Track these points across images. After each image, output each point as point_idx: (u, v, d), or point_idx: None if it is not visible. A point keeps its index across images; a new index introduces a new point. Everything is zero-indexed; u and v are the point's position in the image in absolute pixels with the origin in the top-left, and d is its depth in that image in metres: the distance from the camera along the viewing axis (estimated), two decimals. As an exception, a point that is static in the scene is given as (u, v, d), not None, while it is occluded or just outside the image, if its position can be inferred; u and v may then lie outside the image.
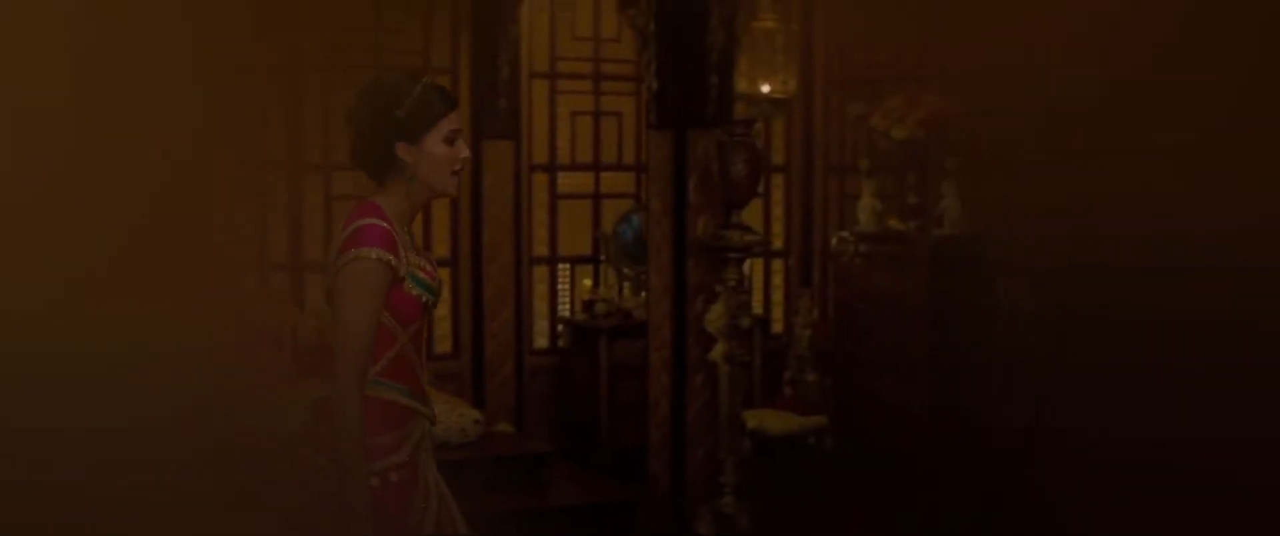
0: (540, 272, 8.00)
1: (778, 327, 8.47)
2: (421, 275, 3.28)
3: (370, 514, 3.10)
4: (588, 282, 7.93)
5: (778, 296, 8.62)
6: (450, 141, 3.28)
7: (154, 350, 3.82)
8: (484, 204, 7.47)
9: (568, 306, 8.07)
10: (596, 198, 8.14)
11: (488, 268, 7.48)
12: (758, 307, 8.40)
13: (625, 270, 7.88)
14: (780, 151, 8.61)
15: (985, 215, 7.45)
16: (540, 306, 7.99)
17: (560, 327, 8.04)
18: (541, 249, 8.00)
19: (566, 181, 8.00)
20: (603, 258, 8.06)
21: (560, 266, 8.10)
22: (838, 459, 7.49)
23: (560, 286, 8.09)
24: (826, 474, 7.30)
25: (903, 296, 7.37)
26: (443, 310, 7.46)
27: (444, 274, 7.49)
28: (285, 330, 6.74)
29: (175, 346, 3.89)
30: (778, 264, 8.65)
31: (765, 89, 7.39)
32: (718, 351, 5.71)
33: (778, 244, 8.62)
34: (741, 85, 7.31)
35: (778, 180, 8.61)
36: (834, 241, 7.89)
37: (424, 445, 3.33)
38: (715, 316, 5.65)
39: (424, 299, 3.29)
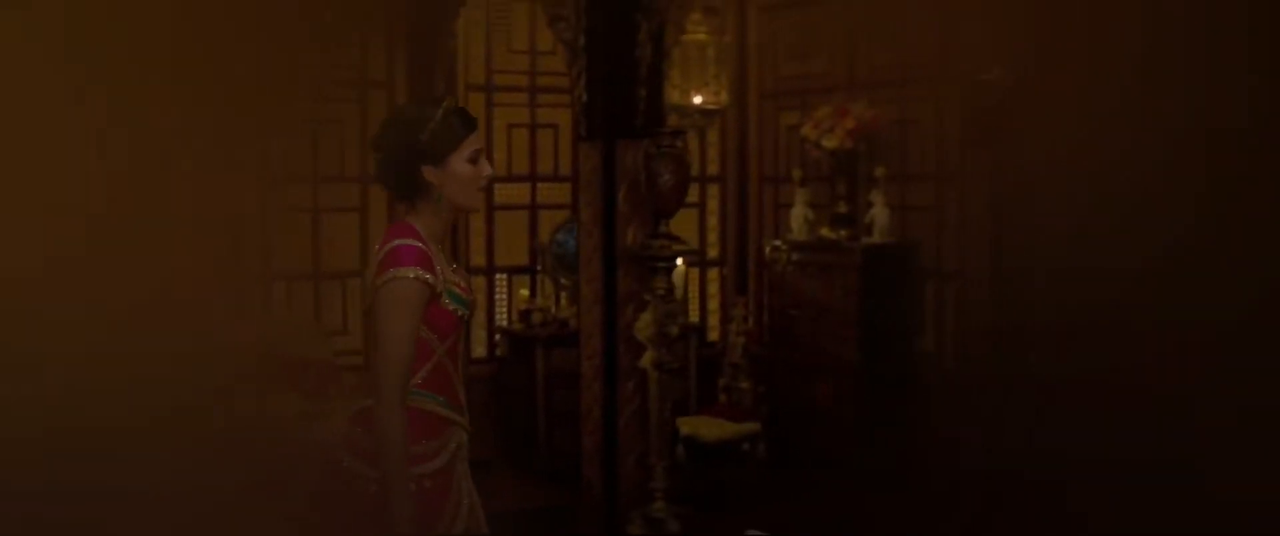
0: (478, 283, 8.07)
1: (714, 336, 8.57)
2: (457, 291, 3.40)
3: (414, 522, 3.24)
4: (525, 292, 8.01)
5: (714, 305, 8.73)
6: (474, 160, 3.40)
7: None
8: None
9: (505, 316, 8.15)
10: (533, 209, 8.23)
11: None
12: (694, 316, 8.51)
13: (562, 280, 7.97)
14: (715, 161, 8.72)
15: (913, 223, 7.62)
16: (478, 316, 8.07)
17: (498, 337, 8.12)
18: (479, 259, 8.08)
19: (503, 193, 8.08)
20: (539, 268, 8.14)
21: (498, 276, 8.18)
22: (770, 464, 7.61)
23: (498, 296, 8.17)
24: (758, 479, 7.41)
25: (834, 304, 7.52)
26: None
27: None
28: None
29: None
30: (714, 273, 8.76)
31: (697, 100, 7.54)
32: (647, 358, 5.81)
33: (713, 253, 8.74)
34: (674, 96, 7.45)
35: (713, 190, 8.73)
36: (767, 250, 8.03)
37: (460, 454, 3.46)
38: (644, 324, 5.75)
39: (459, 312, 3.41)
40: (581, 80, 5.94)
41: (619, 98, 5.88)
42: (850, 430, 7.42)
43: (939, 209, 7.47)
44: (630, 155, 5.85)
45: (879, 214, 7.39)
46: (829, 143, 7.47)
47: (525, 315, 7.84)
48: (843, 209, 7.64)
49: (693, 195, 8.55)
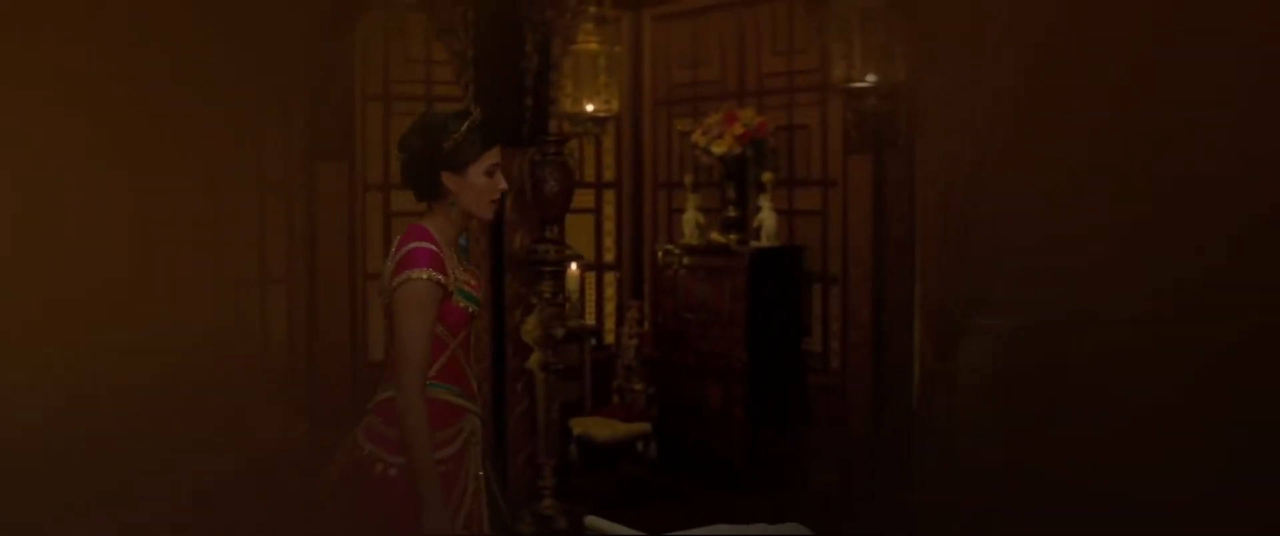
0: (375, 288, 8.17)
1: (610, 338, 8.74)
2: (468, 289, 3.62)
3: (443, 505, 3.46)
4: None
5: (610, 308, 8.90)
6: (490, 174, 3.64)
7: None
8: (318, 222, 7.63)
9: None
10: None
11: (322, 284, 7.65)
12: (590, 319, 8.66)
13: (459, 284, 8.09)
14: (611, 168, 8.88)
15: (801, 227, 7.84)
16: (376, 320, 8.16)
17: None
18: (376, 264, 8.18)
19: (400, 200, 8.17)
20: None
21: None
22: (661, 464, 7.79)
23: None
24: (650, 478, 7.58)
25: (723, 306, 7.71)
26: (281, 324, 7.62)
27: (280, 290, 7.73)
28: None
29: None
30: (610, 277, 8.92)
31: (589, 108, 7.70)
32: (534, 360, 5.97)
33: (610, 257, 8.90)
34: (566, 104, 7.61)
35: (609, 196, 8.90)
36: (660, 254, 8.21)
37: (473, 440, 3.67)
38: (531, 327, 5.90)
39: (470, 309, 3.63)
40: (470, 90, 6.08)
41: (506, 107, 6.03)
42: (739, 430, 7.61)
43: (825, 213, 7.69)
44: (517, 163, 5.99)
45: (766, 218, 7.59)
46: (718, 148, 7.66)
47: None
48: (732, 214, 7.84)
49: (589, 201, 8.73)
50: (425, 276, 3.49)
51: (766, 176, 7.60)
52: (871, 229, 7.19)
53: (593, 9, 7.49)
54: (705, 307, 7.80)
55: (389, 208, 8.18)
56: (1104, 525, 5.90)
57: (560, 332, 5.80)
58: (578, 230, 7.98)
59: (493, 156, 3.65)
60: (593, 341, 8.34)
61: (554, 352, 5.93)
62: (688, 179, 8.11)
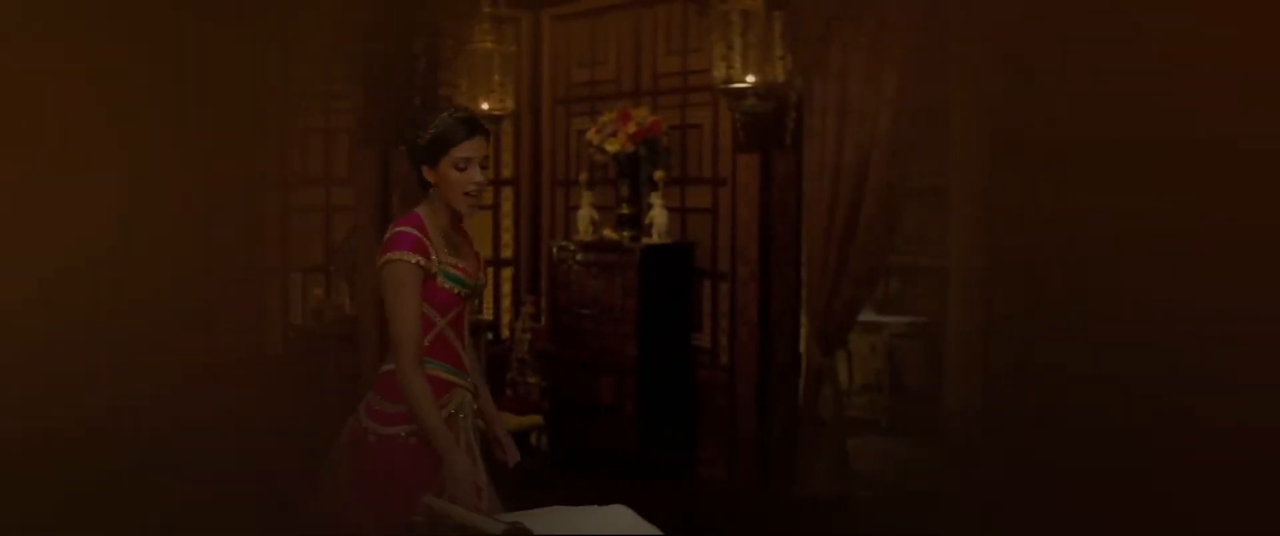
0: (273, 282, 8.24)
1: (507, 333, 8.85)
2: (453, 272, 3.84)
3: (456, 455, 3.67)
4: (318, 292, 8.21)
5: (508, 303, 9.01)
6: (461, 167, 3.80)
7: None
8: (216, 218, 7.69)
9: (300, 314, 8.34)
10: (328, 211, 8.41)
11: (222, 277, 7.70)
12: (488, 314, 8.77)
13: (355, 280, 8.16)
14: (510, 165, 8.99)
15: (693, 225, 7.98)
16: (271, 314, 8.23)
17: (292, 334, 8.30)
18: (274, 258, 8.24)
19: (301, 196, 8.24)
20: (332, 268, 8.34)
21: (292, 275, 8.36)
22: (553, 456, 7.92)
23: (292, 295, 8.35)
24: (541, 470, 7.69)
25: (615, 302, 7.84)
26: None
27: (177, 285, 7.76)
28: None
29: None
30: (508, 272, 9.03)
31: (485, 106, 7.80)
32: (414, 352, 6.07)
33: (507, 253, 9.01)
34: (462, 103, 7.71)
35: (507, 193, 9.01)
36: (554, 250, 8.33)
37: (462, 411, 3.89)
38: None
39: (457, 291, 3.84)
40: (359, 89, 6.18)
41: (394, 107, 6.13)
42: (629, 423, 7.74)
43: (715, 211, 7.84)
44: (403, 161, 6.10)
45: (658, 215, 7.73)
46: (611, 146, 7.79)
47: (317, 313, 8.04)
48: (626, 211, 7.97)
49: (487, 197, 8.84)
50: (402, 258, 3.75)
51: (658, 175, 7.73)
52: (758, 227, 7.34)
53: (487, 9, 7.60)
54: (598, 303, 7.93)
55: (288, 203, 8.26)
56: (982, 520, 6.10)
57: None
58: (476, 226, 8.06)
59: (465, 149, 3.80)
60: (489, 335, 8.46)
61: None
62: (583, 176, 8.23)
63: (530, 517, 3.10)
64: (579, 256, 8.04)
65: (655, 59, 8.23)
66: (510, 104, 8.01)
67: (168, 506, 4.26)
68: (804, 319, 7.40)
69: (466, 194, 3.84)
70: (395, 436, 3.81)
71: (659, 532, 2.99)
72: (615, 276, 7.81)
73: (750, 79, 6.07)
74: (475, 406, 3.98)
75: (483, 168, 3.84)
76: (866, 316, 9.62)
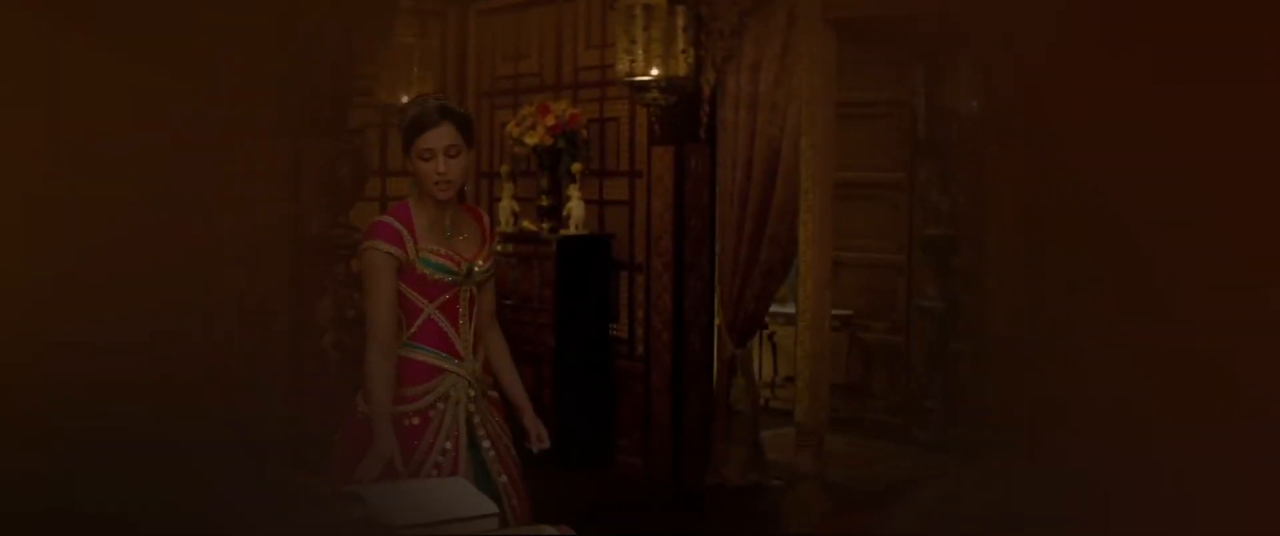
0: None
1: (431, 323, 8.92)
2: (433, 258, 3.93)
3: (390, 442, 3.81)
4: (239, 281, 8.27)
5: (433, 294, 9.08)
6: (424, 158, 3.92)
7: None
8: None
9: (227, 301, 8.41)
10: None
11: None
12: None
13: (279, 269, 8.25)
14: (435, 156, 9.06)
15: (612, 217, 8.09)
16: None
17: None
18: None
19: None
20: (253, 258, 8.42)
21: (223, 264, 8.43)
22: (471, 444, 8.00)
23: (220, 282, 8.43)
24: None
25: (533, 293, 7.95)
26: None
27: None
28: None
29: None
30: (434, 263, 9.10)
31: (404, 99, 7.89)
32: (327, 340, 6.17)
33: (433, 245, 9.09)
34: (382, 96, 7.81)
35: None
36: (476, 241, 8.42)
37: (452, 396, 4.00)
38: (324, 308, 6.10)
39: (440, 278, 3.95)
40: (272, 81, 6.25)
41: (308, 97, 6.21)
42: (547, 413, 7.80)
43: (632, 204, 7.95)
44: (314, 151, 6.19)
45: (575, 207, 7.84)
46: (530, 139, 7.89)
47: (243, 302, 8.11)
48: (545, 202, 8.07)
49: (407, 189, 8.92)
50: (374, 246, 3.92)
51: (575, 167, 7.84)
52: (672, 219, 7.47)
53: (407, 3, 7.69)
54: (517, 293, 8.02)
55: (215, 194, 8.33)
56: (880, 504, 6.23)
57: (352, 313, 6.00)
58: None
59: (428, 139, 3.90)
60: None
61: (348, 333, 6.12)
62: (504, 168, 8.33)
63: (373, 490, 3.22)
64: (499, 247, 8.13)
65: (576, 53, 8.33)
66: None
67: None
68: (717, 310, 7.52)
69: (435, 182, 3.94)
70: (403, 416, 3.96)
71: (494, 508, 3.11)
72: (533, 267, 7.91)
73: (654, 72, 6.19)
74: (474, 392, 4.06)
75: (450, 156, 3.91)
76: (790, 308, 9.76)
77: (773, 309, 9.42)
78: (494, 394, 4.27)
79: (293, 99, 6.33)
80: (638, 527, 6.98)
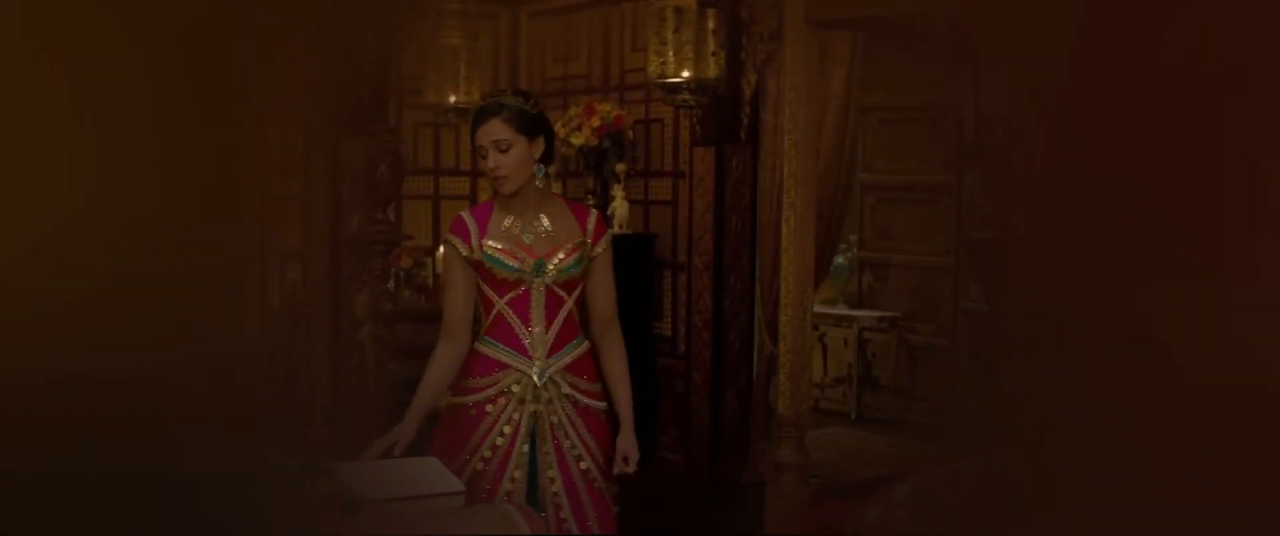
0: (253, 267, 8.53)
1: (483, 321, 9.06)
2: (497, 256, 3.98)
3: (406, 430, 3.93)
4: (293, 276, 8.45)
5: (484, 292, 9.21)
6: (481, 155, 4.01)
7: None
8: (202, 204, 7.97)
9: (277, 297, 8.60)
10: (307, 200, 8.65)
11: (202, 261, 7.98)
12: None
13: (331, 265, 8.42)
14: (486, 157, 9.22)
15: (656, 217, 8.20)
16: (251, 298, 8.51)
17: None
18: (253, 246, 8.50)
19: (275, 185, 8.50)
20: (310, 253, 8.59)
21: (269, 260, 8.61)
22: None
23: (271, 279, 8.62)
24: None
25: (576, 290, 8.06)
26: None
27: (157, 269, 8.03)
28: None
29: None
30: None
31: (452, 99, 8.05)
32: (365, 333, 6.31)
33: (484, 243, 9.24)
34: (429, 96, 7.97)
35: (484, 185, 9.24)
36: (523, 240, 8.55)
37: (514, 392, 4.01)
38: (362, 302, 6.25)
39: (504, 274, 3.98)
40: (312, 81, 6.43)
41: (346, 97, 6.37)
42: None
43: (675, 204, 8.05)
44: (354, 150, 6.34)
45: (619, 207, 7.95)
46: (576, 140, 8.02)
47: (291, 298, 8.30)
48: (591, 202, 8.19)
49: (464, 188, 9.09)
50: (447, 240, 4.07)
51: (620, 167, 7.95)
52: (713, 219, 7.56)
53: (455, 4, 7.84)
54: (562, 291, 8.13)
55: (266, 191, 8.52)
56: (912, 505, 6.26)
57: (388, 307, 6.13)
58: (452, 216, 8.34)
59: (477, 139, 3.99)
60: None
61: (387, 327, 6.26)
62: (551, 169, 8.45)
63: (345, 468, 3.34)
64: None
65: (623, 55, 8.44)
66: (476, 97, 8.24)
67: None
68: (756, 309, 7.59)
69: (492, 178, 4.02)
70: (457, 405, 4.06)
71: (460, 486, 3.22)
72: (577, 265, 8.02)
73: (685, 74, 6.28)
74: (548, 394, 4.03)
75: (501, 151, 3.94)
76: (839, 310, 9.83)
77: (822, 309, 9.53)
78: (594, 403, 4.17)
79: (331, 98, 6.51)
80: (678, 521, 7.08)
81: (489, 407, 4.02)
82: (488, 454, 4.01)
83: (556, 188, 8.41)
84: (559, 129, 8.16)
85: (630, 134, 8.08)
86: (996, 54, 6.13)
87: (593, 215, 4.20)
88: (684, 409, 7.82)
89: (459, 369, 4.06)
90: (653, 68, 6.39)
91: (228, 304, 8.22)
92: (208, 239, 7.62)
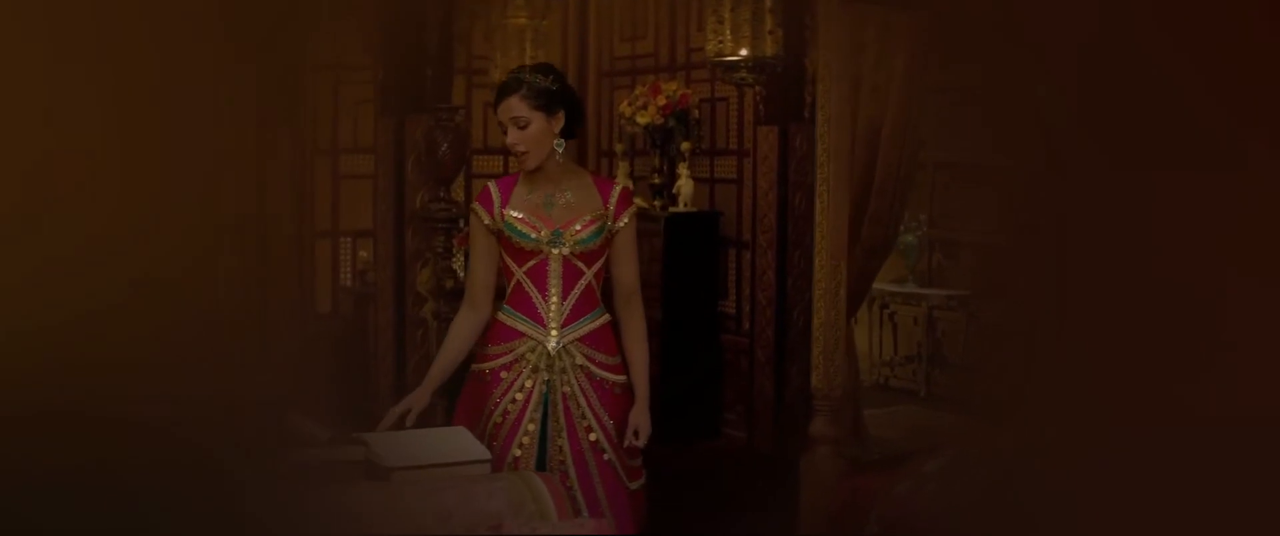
0: (323, 246, 8.70)
1: (553, 298, 9.16)
2: (517, 225, 4.09)
3: (419, 397, 4.10)
4: (364, 254, 8.61)
5: (554, 269, 9.32)
6: (503, 130, 4.10)
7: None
8: (266, 183, 8.13)
9: (348, 275, 8.78)
10: (376, 178, 8.79)
11: (271, 240, 8.14)
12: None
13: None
14: (556, 136, 9.32)
15: (721, 195, 8.24)
16: (324, 274, 8.68)
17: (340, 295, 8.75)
18: (326, 223, 8.68)
19: (348, 163, 8.65)
20: (378, 231, 8.74)
21: (342, 239, 8.79)
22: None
23: (343, 257, 8.79)
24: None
25: (642, 269, 8.13)
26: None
27: (231, 246, 8.21)
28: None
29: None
30: (556, 240, 9.35)
31: (517, 79, 8.13)
32: (427, 309, 6.43)
33: (556, 223, 9.34)
34: (495, 76, 8.05)
35: (553, 163, 9.34)
36: (591, 219, 8.64)
37: (529, 360, 4.11)
38: (424, 279, 6.37)
39: (521, 243, 4.09)
40: (378, 63, 6.56)
41: (410, 78, 6.49)
42: (653, 385, 8.00)
43: (740, 182, 8.09)
44: (418, 129, 6.46)
45: (684, 185, 8.01)
46: (642, 118, 8.08)
47: (361, 274, 8.46)
48: (657, 180, 8.26)
49: (533, 167, 9.19)
50: (473, 209, 4.20)
51: (685, 145, 8.01)
52: (776, 197, 7.58)
53: (524, -16, 7.94)
54: (628, 269, 8.21)
55: (337, 170, 8.69)
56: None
57: (450, 283, 6.24)
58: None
59: (500, 114, 4.08)
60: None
61: (447, 303, 6.37)
62: (619, 147, 8.54)
63: (376, 436, 3.43)
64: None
65: (689, 34, 8.49)
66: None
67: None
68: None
69: (516, 152, 4.09)
70: (477, 371, 4.19)
71: (486, 454, 3.30)
72: (642, 243, 8.04)
73: (743, 53, 6.32)
74: (562, 363, 4.10)
75: (520, 127, 4.03)
76: (908, 288, 9.82)
77: (892, 288, 9.54)
78: (610, 376, 4.22)
79: (395, 78, 6.63)
80: (740, 497, 7.14)
81: (504, 374, 4.12)
82: (499, 419, 4.11)
83: (623, 166, 8.48)
84: (624, 108, 8.24)
85: (696, 113, 8.14)
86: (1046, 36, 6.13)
87: (616, 189, 4.28)
88: (748, 386, 7.87)
89: (478, 337, 4.19)
90: (711, 46, 6.43)
91: (299, 282, 8.41)
92: (277, 216, 7.77)
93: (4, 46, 4.35)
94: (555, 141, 4.09)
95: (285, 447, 2.91)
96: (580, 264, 4.17)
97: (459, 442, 3.40)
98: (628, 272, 4.34)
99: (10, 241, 4.68)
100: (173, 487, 2.67)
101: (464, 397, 4.23)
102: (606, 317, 4.26)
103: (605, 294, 4.34)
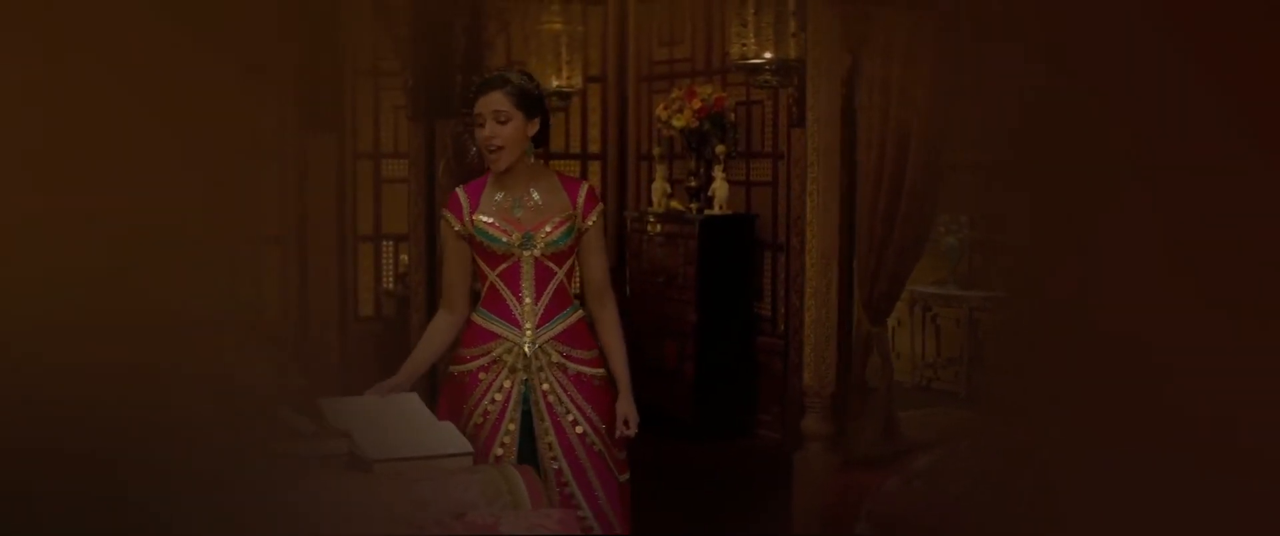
0: (366, 249, 8.82)
1: (593, 300, 9.26)
2: (488, 229, 4.14)
3: (397, 378, 4.24)
4: (406, 257, 8.72)
5: (594, 272, 9.41)
6: (479, 124, 4.14)
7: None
8: (309, 188, 8.28)
9: (391, 279, 8.89)
10: (410, 182, 8.90)
11: (312, 244, 8.28)
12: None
13: (440, 247, 8.68)
14: (597, 140, 9.42)
15: (757, 198, 8.29)
16: (366, 278, 8.80)
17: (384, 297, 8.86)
18: (367, 227, 8.80)
19: (389, 168, 8.77)
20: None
21: (384, 243, 8.91)
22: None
23: (385, 261, 8.91)
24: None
25: (678, 269, 8.20)
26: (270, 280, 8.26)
27: (273, 250, 8.35)
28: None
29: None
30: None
31: (553, 84, 8.23)
32: (462, 314, 6.52)
33: (593, 225, 9.43)
34: (532, 81, 8.16)
35: (595, 167, 9.43)
36: (627, 221, 8.73)
37: (505, 361, 4.15)
38: (454, 282, 6.46)
39: (492, 246, 4.14)
40: (408, 68, 6.65)
41: (439, 83, 6.58)
42: (688, 386, 8.10)
43: (775, 184, 8.14)
44: (447, 133, 6.55)
45: (719, 188, 8.07)
46: (678, 122, 8.15)
47: (402, 277, 8.57)
48: (692, 183, 8.32)
49: (572, 171, 9.27)
50: (443, 214, 4.28)
51: (720, 148, 8.07)
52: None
53: (560, -10, 8.03)
54: (664, 271, 8.29)
55: (380, 175, 8.81)
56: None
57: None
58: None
59: (476, 107, 4.12)
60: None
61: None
62: (656, 150, 8.61)
63: (360, 429, 3.50)
64: (648, 227, 8.43)
65: (725, 38, 8.53)
66: (577, 82, 8.42)
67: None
68: (855, 289, 7.63)
69: (486, 149, 4.14)
70: (455, 374, 4.26)
71: (469, 447, 3.37)
72: (678, 245, 8.17)
73: (766, 55, 6.36)
74: (538, 363, 4.12)
75: (500, 122, 4.06)
76: (949, 290, 9.80)
77: (933, 290, 9.53)
78: (588, 370, 4.25)
79: (423, 84, 6.72)
80: (774, 496, 7.18)
81: (482, 376, 4.16)
82: (479, 420, 4.15)
83: (660, 169, 8.54)
84: (661, 111, 8.31)
85: (731, 116, 8.19)
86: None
87: (583, 188, 4.28)
88: (782, 387, 7.91)
89: (454, 336, 4.27)
90: (734, 50, 6.49)
91: (343, 285, 8.53)
92: (317, 219, 7.86)
93: (55, 52, 4.47)
94: (526, 147, 4.14)
95: (272, 440, 2.97)
96: (552, 264, 4.20)
97: (442, 436, 3.48)
98: (598, 269, 4.34)
99: (42, 244, 4.82)
100: (163, 478, 2.73)
101: (443, 400, 4.29)
102: (580, 313, 4.30)
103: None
